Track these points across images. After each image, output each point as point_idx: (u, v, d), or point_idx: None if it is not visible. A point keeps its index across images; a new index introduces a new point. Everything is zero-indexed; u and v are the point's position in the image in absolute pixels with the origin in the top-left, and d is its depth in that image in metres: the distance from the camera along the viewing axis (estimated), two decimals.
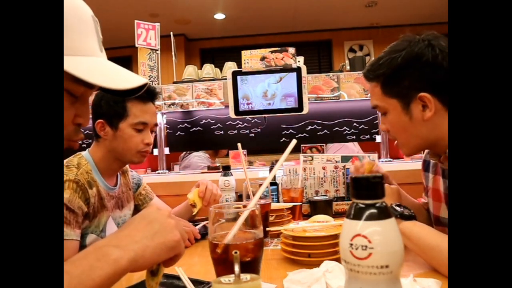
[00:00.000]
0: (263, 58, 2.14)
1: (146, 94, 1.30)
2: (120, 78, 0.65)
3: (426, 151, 1.16)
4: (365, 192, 0.42)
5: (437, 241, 0.79)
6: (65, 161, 1.25)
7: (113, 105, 1.28)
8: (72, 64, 0.57)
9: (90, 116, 1.32)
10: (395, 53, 0.91)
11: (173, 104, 2.29)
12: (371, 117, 2.36)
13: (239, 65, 2.21)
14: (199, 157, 2.60)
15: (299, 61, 2.21)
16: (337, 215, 1.46)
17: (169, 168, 2.56)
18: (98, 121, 1.29)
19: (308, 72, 2.17)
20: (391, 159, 2.23)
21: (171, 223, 0.59)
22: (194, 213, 1.38)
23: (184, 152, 2.69)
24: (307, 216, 1.35)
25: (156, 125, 1.36)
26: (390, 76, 0.92)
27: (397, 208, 0.89)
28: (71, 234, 1.10)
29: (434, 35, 0.91)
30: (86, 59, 0.61)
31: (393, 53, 0.91)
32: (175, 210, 1.51)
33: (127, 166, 1.51)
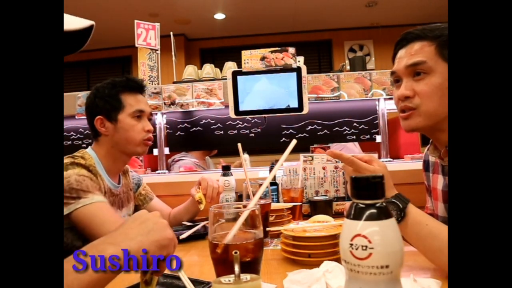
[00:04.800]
0: (263, 58, 2.14)
1: (137, 85, 1.37)
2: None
3: (426, 149, 1.16)
4: (365, 192, 0.42)
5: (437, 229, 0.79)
6: (67, 156, 1.27)
7: (108, 100, 1.31)
8: None
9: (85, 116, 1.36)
10: None
11: (173, 104, 2.29)
12: (371, 117, 2.36)
13: (239, 65, 2.21)
14: (185, 167, 2.53)
15: (299, 61, 2.20)
16: (337, 215, 1.46)
17: (169, 168, 2.55)
18: (97, 118, 1.31)
19: (308, 72, 2.17)
20: (391, 159, 2.23)
21: (164, 223, 0.62)
22: (201, 209, 1.42)
23: (170, 159, 2.66)
24: (307, 216, 1.35)
25: (151, 114, 1.41)
26: None
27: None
28: (99, 198, 1.16)
29: None
30: None
31: None
32: (180, 208, 1.51)
33: (128, 166, 1.51)
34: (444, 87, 0.89)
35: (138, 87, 1.38)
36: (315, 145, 2.29)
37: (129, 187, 1.47)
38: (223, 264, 0.62)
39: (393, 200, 0.84)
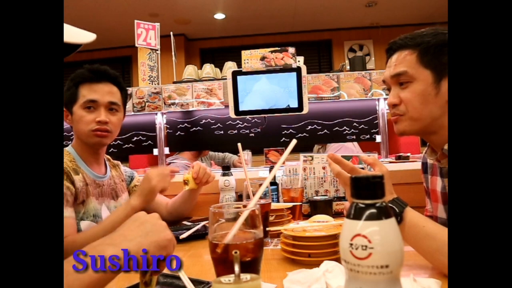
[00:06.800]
0: (263, 58, 2.14)
1: (95, 74, 1.30)
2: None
3: (424, 151, 1.16)
4: (365, 192, 0.42)
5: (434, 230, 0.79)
6: None
7: (67, 92, 1.31)
8: None
9: None
10: (442, 30, 0.93)
11: (173, 104, 2.29)
12: (371, 117, 2.36)
13: (239, 65, 2.21)
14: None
15: (299, 61, 2.20)
16: (337, 215, 1.46)
17: None
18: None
19: (308, 72, 2.17)
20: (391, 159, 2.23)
21: (163, 224, 0.62)
22: (185, 189, 1.45)
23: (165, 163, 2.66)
24: (307, 216, 1.35)
25: (113, 103, 1.32)
26: (432, 47, 0.92)
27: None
28: (64, 212, 1.15)
29: None
30: None
31: (439, 29, 0.94)
32: (176, 198, 1.54)
33: (118, 162, 1.53)
34: (427, 93, 0.93)
35: (96, 77, 1.30)
36: (271, 148, 2.29)
37: (121, 179, 1.49)
38: (223, 264, 0.62)
39: (390, 205, 0.84)
